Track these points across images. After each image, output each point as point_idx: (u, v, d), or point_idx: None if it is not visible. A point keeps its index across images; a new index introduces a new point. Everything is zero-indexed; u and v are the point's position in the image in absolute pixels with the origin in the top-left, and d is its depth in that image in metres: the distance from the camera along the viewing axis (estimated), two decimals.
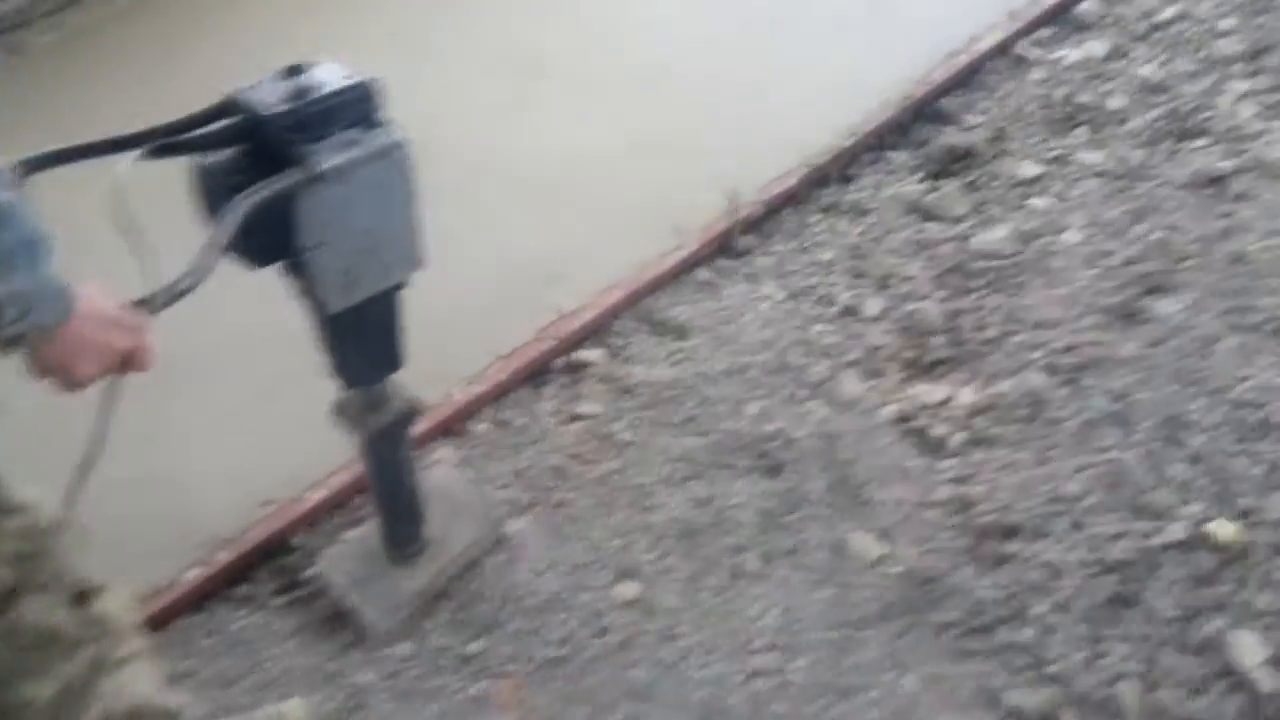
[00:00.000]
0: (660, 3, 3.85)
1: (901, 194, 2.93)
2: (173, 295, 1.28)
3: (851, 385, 2.44)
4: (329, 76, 1.47)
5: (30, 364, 1.20)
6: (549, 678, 1.97)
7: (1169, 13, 3.43)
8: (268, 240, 1.48)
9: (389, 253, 1.61)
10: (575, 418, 2.46)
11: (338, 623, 2.09)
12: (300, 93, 1.44)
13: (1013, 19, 3.44)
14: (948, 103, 3.20)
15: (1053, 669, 1.87)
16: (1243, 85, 3.10)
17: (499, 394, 2.51)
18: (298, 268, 1.56)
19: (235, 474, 2.35)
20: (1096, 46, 3.32)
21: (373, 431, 1.88)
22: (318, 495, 2.30)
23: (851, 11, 3.68)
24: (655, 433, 2.39)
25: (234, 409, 2.50)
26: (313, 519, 2.29)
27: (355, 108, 1.49)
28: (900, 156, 3.08)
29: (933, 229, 2.81)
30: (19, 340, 1.15)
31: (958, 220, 2.82)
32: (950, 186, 2.93)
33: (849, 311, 2.63)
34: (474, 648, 2.02)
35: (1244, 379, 2.29)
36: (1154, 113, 3.05)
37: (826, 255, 2.79)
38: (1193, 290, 2.52)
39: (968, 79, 3.28)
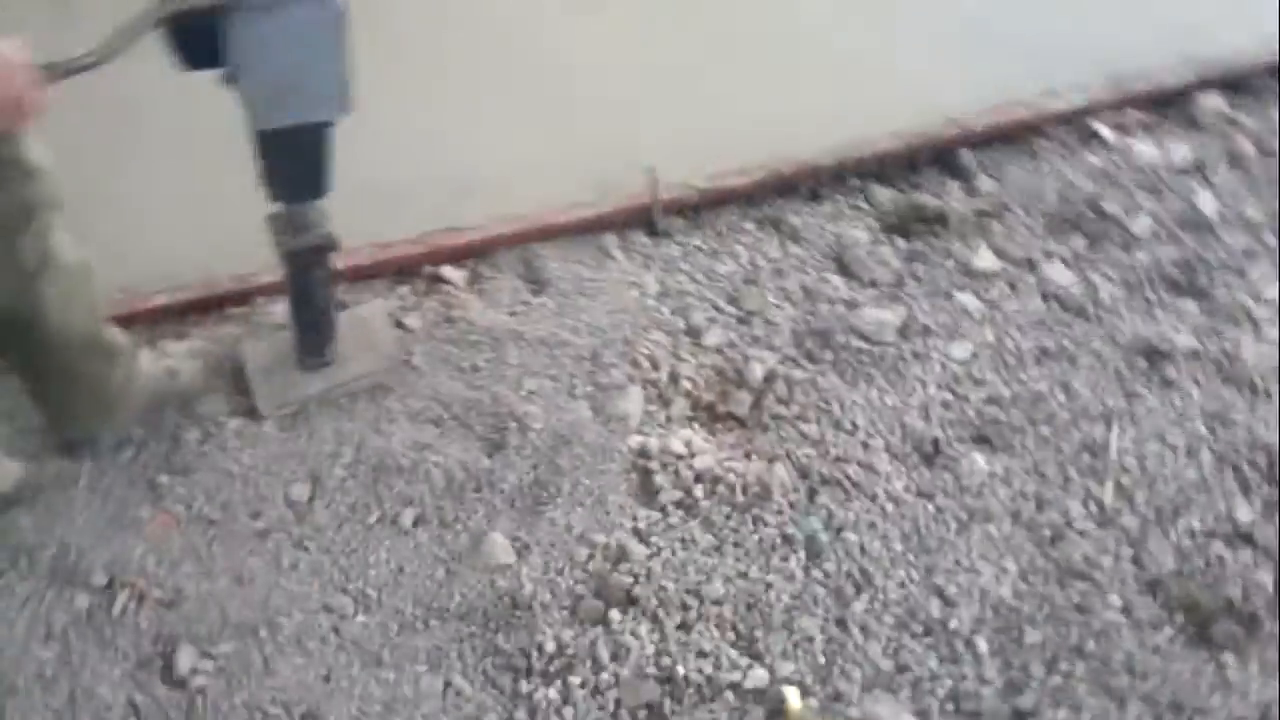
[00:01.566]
0: None
1: (845, 236, 2.72)
2: (73, 68, 1.48)
3: (631, 403, 2.42)
4: None
5: None
6: (200, 533, 2.22)
7: None
8: (200, 48, 1.62)
9: (313, 91, 1.71)
10: (400, 325, 2.62)
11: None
12: None
13: (1110, 87, 2.95)
14: (973, 155, 2.87)
15: None
16: None
17: (354, 278, 2.68)
18: (230, 78, 1.69)
19: (117, 255, 2.44)
20: (1181, 153, 2.81)
21: (287, 251, 2.06)
22: (160, 300, 2.55)
23: (924, 14, 3.25)
24: (439, 368, 2.50)
25: (171, 185, 2.68)
26: (152, 319, 2.54)
27: None
28: (883, 194, 2.82)
29: (835, 284, 2.61)
30: None
31: (868, 285, 2.60)
32: (893, 248, 2.68)
33: (691, 332, 2.55)
34: (164, 479, 2.30)
35: (962, 570, 2.09)
36: (1171, 252, 2.60)
37: (727, 268, 2.69)
38: (1021, 458, 2.26)
39: (1014, 137, 2.90)
